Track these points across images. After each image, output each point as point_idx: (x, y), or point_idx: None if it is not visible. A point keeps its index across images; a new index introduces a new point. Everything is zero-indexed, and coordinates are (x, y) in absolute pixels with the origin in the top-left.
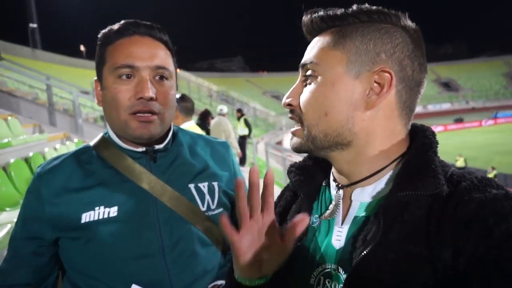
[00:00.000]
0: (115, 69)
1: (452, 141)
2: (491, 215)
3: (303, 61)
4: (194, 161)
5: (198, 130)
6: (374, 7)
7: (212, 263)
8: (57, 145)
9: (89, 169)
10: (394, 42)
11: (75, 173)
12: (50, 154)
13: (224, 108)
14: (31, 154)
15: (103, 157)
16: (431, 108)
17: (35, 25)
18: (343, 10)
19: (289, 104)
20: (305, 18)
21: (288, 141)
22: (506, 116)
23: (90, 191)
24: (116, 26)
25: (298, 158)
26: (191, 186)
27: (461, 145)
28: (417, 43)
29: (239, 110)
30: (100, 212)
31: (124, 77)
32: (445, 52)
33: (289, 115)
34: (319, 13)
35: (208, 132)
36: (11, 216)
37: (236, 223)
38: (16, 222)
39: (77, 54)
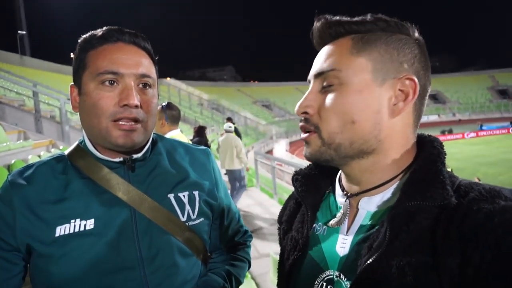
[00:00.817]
0: (98, 75)
1: None
2: (500, 226)
3: (318, 69)
4: (174, 170)
5: (184, 139)
6: (389, 18)
7: (192, 273)
8: (42, 152)
9: (64, 179)
10: (413, 53)
11: (49, 184)
12: (34, 161)
13: (232, 125)
14: (13, 161)
15: (78, 167)
16: None
17: (24, 32)
18: (360, 17)
19: (305, 112)
20: (319, 23)
21: (278, 150)
22: (491, 128)
23: (65, 203)
24: (99, 32)
25: (288, 167)
26: (171, 196)
27: (448, 156)
28: (426, 55)
29: (229, 119)
30: (76, 225)
31: (107, 83)
32: (433, 65)
33: (301, 123)
34: (334, 18)
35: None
36: None
37: (215, 232)
38: None
39: (66, 61)
